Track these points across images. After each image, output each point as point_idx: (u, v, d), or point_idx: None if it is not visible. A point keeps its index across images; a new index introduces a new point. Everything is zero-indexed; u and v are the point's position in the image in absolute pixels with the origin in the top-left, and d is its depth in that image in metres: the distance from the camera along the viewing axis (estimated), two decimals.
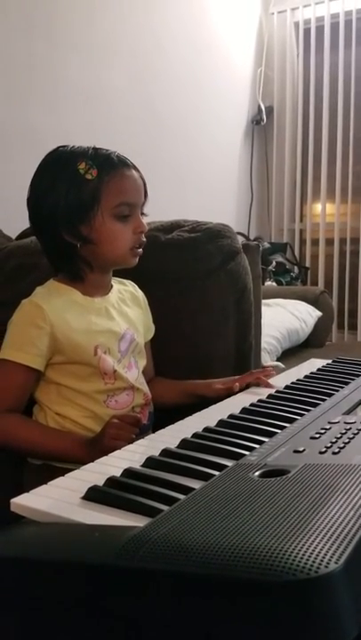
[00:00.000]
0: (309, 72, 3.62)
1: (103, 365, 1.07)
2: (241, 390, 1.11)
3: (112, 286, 1.17)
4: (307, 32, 3.63)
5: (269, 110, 3.69)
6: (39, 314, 1.04)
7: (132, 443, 0.89)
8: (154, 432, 0.88)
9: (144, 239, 1.10)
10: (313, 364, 1.24)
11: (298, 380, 1.08)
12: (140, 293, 1.24)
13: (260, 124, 3.66)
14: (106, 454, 0.90)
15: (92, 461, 0.93)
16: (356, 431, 0.72)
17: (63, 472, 0.92)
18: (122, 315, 1.15)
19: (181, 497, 0.57)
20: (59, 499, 0.62)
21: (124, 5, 2.61)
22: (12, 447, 1.06)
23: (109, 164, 1.05)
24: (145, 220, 1.11)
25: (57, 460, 1.03)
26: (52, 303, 1.06)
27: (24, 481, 1.09)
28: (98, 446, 0.93)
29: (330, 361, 1.26)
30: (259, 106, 3.64)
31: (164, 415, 1.08)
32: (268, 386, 1.10)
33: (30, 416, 1.12)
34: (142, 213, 1.11)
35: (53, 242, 1.09)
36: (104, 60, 2.51)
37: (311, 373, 1.13)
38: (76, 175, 1.04)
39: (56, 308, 1.06)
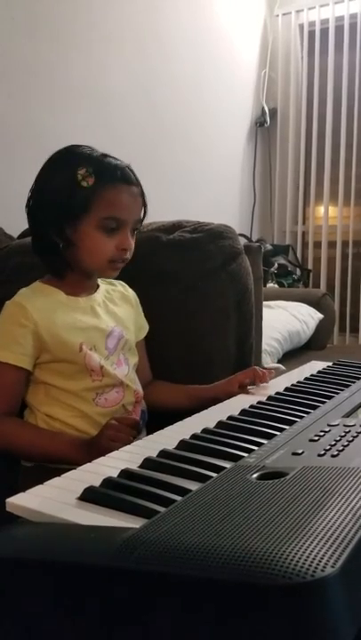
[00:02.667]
0: (313, 74, 3.62)
1: (89, 362, 1.07)
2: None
3: (98, 286, 1.18)
4: (311, 34, 3.63)
5: (273, 112, 3.69)
6: (22, 313, 1.05)
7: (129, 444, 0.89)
8: (148, 432, 0.88)
9: (127, 256, 1.10)
10: (314, 367, 1.23)
11: (298, 382, 1.08)
12: (130, 292, 1.24)
13: (264, 126, 3.66)
14: (103, 456, 0.91)
15: (89, 461, 0.93)
16: (355, 434, 0.71)
17: (57, 473, 0.94)
18: (109, 313, 1.15)
19: (178, 498, 0.57)
20: (55, 499, 0.62)
21: (127, 6, 2.60)
22: (9, 451, 1.06)
23: (108, 177, 1.06)
24: (134, 239, 1.11)
25: (54, 462, 1.02)
26: (35, 302, 1.07)
27: (18, 482, 1.08)
28: (95, 448, 0.93)
29: (331, 363, 1.25)
30: (262, 108, 3.64)
31: (159, 416, 1.07)
32: (263, 381, 1.10)
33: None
34: (136, 229, 1.11)
35: (39, 236, 1.11)
36: (107, 61, 2.51)
37: (312, 375, 1.13)
38: (73, 179, 1.04)
39: (39, 307, 1.07)
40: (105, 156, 1.10)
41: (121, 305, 1.20)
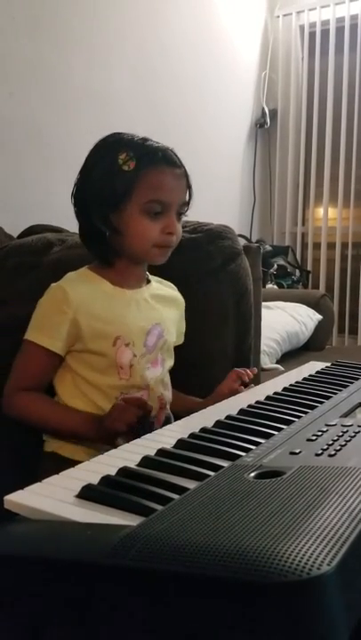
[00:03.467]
0: (314, 75, 3.62)
1: (120, 358, 1.07)
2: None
3: (149, 282, 1.17)
4: (312, 35, 3.64)
5: (273, 113, 3.69)
6: (64, 298, 1.05)
7: (134, 431, 0.92)
8: None
9: (174, 240, 1.09)
10: (313, 367, 1.24)
11: (296, 382, 1.08)
12: (179, 296, 1.23)
13: (264, 127, 3.66)
14: (110, 434, 0.94)
15: (100, 439, 0.98)
16: (353, 434, 0.71)
17: (68, 462, 0.98)
18: (153, 310, 1.14)
19: (176, 497, 0.57)
20: (53, 496, 0.62)
21: (128, 7, 2.61)
22: (27, 423, 1.08)
23: (150, 159, 1.04)
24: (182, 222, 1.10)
25: (66, 436, 1.06)
26: (78, 289, 1.07)
27: (41, 465, 1.10)
28: (103, 427, 0.97)
29: (329, 364, 1.26)
30: (263, 109, 3.65)
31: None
32: (249, 377, 1.11)
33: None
34: (180, 214, 1.10)
35: (86, 225, 1.10)
36: (108, 61, 2.51)
37: (310, 376, 1.13)
38: (114, 164, 1.04)
39: (82, 294, 1.06)
40: (145, 139, 1.08)
41: (167, 306, 1.18)
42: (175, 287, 1.24)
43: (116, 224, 1.06)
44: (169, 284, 1.23)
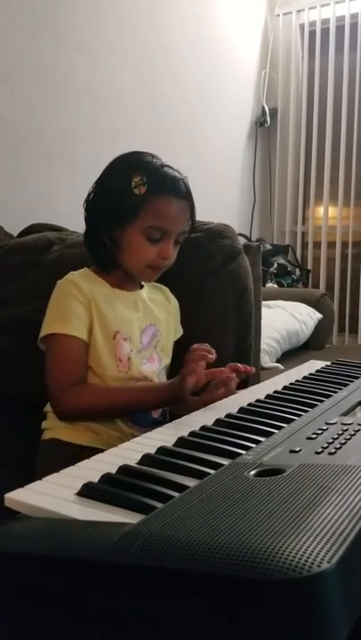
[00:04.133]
0: (314, 74, 3.62)
1: (119, 351, 1.12)
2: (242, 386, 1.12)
3: (142, 286, 1.23)
4: (312, 34, 3.63)
5: (273, 112, 3.69)
6: (76, 289, 1.11)
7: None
8: None
9: (167, 265, 1.15)
10: (313, 366, 1.24)
11: (297, 380, 1.08)
12: (171, 299, 1.29)
13: (264, 126, 3.66)
14: (184, 391, 0.99)
15: (170, 402, 1.04)
16: (353, 432, 0.71)
17: (69, 446, 1.04)
18: (148, 311, 1.20)
19: (176, 494, 0.57)
20: (53, 494, 0.62)
21: (129, 7, 2.61)
22: (91, 414, 1.09)
23: (160, 188, 1.10)
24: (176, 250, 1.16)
25: (134, 412, 1.11)
26: (85, 283, 1.13)
27: (37, 456, 1.12)
28: (174, 385, 1.02)
29: (329, 363, 1.26)
30: (263, 108, 3.64)
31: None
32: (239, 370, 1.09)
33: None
34: (178, 242, 1.16)
35: (91, 232, 1.17)
36: (109, 61, 2.51)
37: (310, 374, 1.13)
38: (127, 185, 1.09)
39: (88, 288, 1.12)
40: (163, 166, 1.14)
41: (160, 308, 1.24)
42: (166, 287, 1.28)
43: (118, 239, 1.12)
44: (160, 285, 1.28)
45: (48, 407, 1.17)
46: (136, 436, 1.09)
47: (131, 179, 1.09)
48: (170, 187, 1.11)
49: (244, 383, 1.19)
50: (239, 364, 1.12)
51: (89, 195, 1.16)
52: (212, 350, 1.03)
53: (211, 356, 1.01)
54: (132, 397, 1.09)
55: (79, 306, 1.10)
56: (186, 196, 1.14)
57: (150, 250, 1.11)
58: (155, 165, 1.13)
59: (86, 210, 1.17)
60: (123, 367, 1.12)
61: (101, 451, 1.03)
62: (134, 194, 1.09)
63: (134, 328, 1.16)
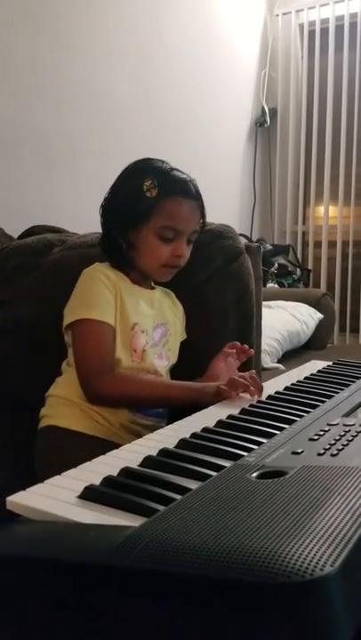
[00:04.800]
0: (313, 74, 3.62)
1: (135, 342, 1.15)
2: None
3: (154, 288, 1.27)
4: (311, 34, 3.63)
5: (273, 112, 3.68)
6: (105, 277, 1.15)
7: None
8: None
9: (181, 263, 1.20)
10: (314, 366, 1.24)
11: (298, 381, 1.08)
12: (178, 304, 1.32)
13: (264, 126, 3.66)
14: (214, 402, 1.00)
15: (202, 403, 1.01)
16: (355, 433, 0.71)
17: (66, 432, 1.07)
18: (161, 310, 1.25)
19: (178, 497, 0.57)
20: (55, 497, 0.62)
21: (128, 7, 2.61)
22: (125, 400, 1.12)
23: (170, 190, 1.15)
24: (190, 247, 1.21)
25: (166, 406, 1.16)
26: (111, 273, 1.17)
27: (35, 443, 1.14)
28: (211, 392, 1.03)
29: (330, 363, 1.26)
30: (262, 108, 3.64)
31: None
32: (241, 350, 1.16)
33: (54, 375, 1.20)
34: (190, 241, 1.20)
35: (107, 235, 1.21)
36: (108, 61, 2.51)
37: (311, 375, 1.13)
38: (139, 189, 1.15)
39: (114, 278, 1.17)
40: (172, 169, 1.19)
41: (169, 310, 1.28)
42: (172, 293, 1.32)
43: (133, 241, 1.17)
44: (167, 290, 1.31)
45: (50, 391, 1.18)
46: (138, 424, 1.13)
47: (142, 183, 1.14)
48: (180, 188, 1.16)
49: (247, 366, 1.21)
50: (237, 343, 1.21)
51: (104, 200, 1.21)
52: (260, 385, 1.04)
53: (253, 389, 1.01)
54: (164, 393, 1.11)
55: (108, 293, 1.14)
56: (195, 196, 1.18)
57: (164, 249, 1.16)
58: (164, 169, 1.18)
59: (102, 215, 1.22)
60: (136, 358, 1.16)
61: (99, 439, 1.04)
62: (146, 197, 1.14)
63: (149, 323, 1.20)
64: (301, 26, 3.66)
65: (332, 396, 0.95)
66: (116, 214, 1.18)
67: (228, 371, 1.20)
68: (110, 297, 1.14)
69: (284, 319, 2.36)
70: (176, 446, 0.75)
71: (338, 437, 0.70)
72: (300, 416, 0.84)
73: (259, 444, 0.72)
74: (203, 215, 1.22)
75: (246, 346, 1.23)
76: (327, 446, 0.67)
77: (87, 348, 1.11)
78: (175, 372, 1.26)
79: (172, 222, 1.15)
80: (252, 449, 0.70)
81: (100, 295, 1.13)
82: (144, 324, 1.18)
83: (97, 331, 1.11)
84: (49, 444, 1.11)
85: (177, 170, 1.20)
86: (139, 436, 0.86)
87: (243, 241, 1.43)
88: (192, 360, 1.27)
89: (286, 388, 1.03)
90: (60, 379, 1.19)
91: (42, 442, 1.14)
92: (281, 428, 0.78)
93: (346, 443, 0.68)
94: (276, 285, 3.16)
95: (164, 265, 1.18)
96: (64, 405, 1.14)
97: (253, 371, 1.10)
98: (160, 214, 1.14)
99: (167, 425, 0.92)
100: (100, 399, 1.11)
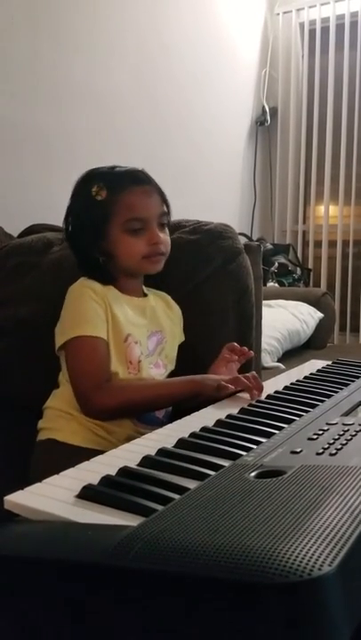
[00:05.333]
0: (314, 73, 3.61)
1: (130, 353, 1.13)
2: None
3: (146, 295, 1.24)
4: (312, 33, 3.63)
5: (274, 111, 3.68)
6: (92, 291, 1.13)
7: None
8: None
9: (162, 249, 1.16)
10: (314, 365, 1.23)
11: (297, 380, 1.08)
12: (174, 306, 1.30)
13: (265, 125, 3.65)
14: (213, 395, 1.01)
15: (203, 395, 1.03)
16: (354, 433, 0.71)
17: (65, 446, 1.05)
18: (154, 318, 1.22)
19: (176, 497, 0.57)
20: (53, 497, 0.62)
21: (128, 6, 2.60)
22: (127, 409, 1.10)
23: (119, 184, 1.13)
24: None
25: (168, 405, 1.14)
26: (98, 286, 1.15)
27: (32, 456, 1.12)
28: (210, 386, 1.03)
29: (330, 362, 1.25)
30: (263, 107, 3.64)
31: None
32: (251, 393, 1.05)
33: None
34: (163, 224, 1.17)
35: (81, 255, 1.19)
36: (109, 61, 2.50)
37: (311, 374, 1.13)
38: (88, 197, 1.13)
39: (102, 291, 1.14)
40: (113, 167, 1.18)
41: (164, 316, 1.26)
42: (168, 295, 1.29)
43: (107, 248, 1.15)
44: (162, 293, 1.29)
45: (48, 403, 1.17)
46: (142, 434, 1.11)
47: (89, 191, 1.13)
48: (127, 179, 1.14)
49: (246, 369, 1.21)
50: (236, 344, 1.19)
51: (65, 228, 1.20)
52: (261, 386, 1.04)
53: (255, 392, 1.01)
54: (166, 391, 1.10)
55: (98, 307, 1.11)
56: (146, 181, 1.16)
57: (138, 242, 1.13)
58: (106, 170, 1.17)
59: (68, 241, 1.21)
60: (133, 369, 1.14)
61: (98, 452, 1.03)
62: (98, 201, 1.12)
63: (142, 333, 1.17)
64: (302, 25, 3.66)
65: (332, 395, 0.95)
66: (80, 234, 1.17)
67: (229, 374, 1.18)
68: (100, 310, 1.11)
69: (284, 318, 2.35)
70: (175, 446, 0.74)
71: (337, 437, 0.70)
72: (300, 415, 0.84)
73: (258, 443, 0.72)
74: (163, 197, 1.18)
75: (246, 348, 1.22)
76: (326, 446, 0.67)
77: (82, 365, 1.09)
78: (175, 374, 1.25)
79: (133, 213, 1.12)
80: (251, 448, 0.70)
81: (90, 310, 1.11)
82: (137, 334, 1.16)
83: (90, 346, 1.09)
84: (46, 456, 1.10)
85: (118, 166, 1.18)
86: None
87: (243, 240, 1.42)
88: (191, 361, 1.26)
89: (286, 388, 1.03)
90: (57, 391, 1.17)
91: (39, 454, 1.12)
92: (280, 428, 0.78)
93: (345, 442, 0.68)
94: (276, 284, 3.15)
95: (145, 256, 1.14)
96: (63, 418, 1.12)
97: (254, 372, 1.09)
98: (118, 210, 1.12)
99: None
100: (102, 413, 1.08)
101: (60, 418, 1.13)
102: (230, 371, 1.19)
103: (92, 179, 1.16)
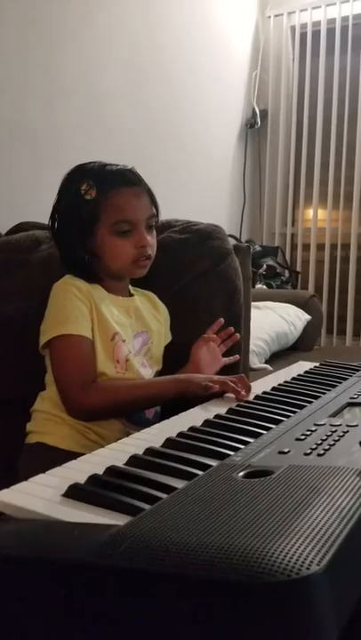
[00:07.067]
0: (304, 76, 3.63)
1: (117, 352, 1.12)
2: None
3: (132, 295, 1.23)
4: (303, 36, 3.64)
5: (264, 114, 3.69)
6: (76, 289, 1.11)
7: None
8: None
9: (149, 252, 1.15)
10: (302, 367, 1.24)
11: (285, 381, 1.08)
12: (160, 305, 1.29)
13: (255, 128, 3.66)
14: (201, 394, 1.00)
15: (189, 394, 1.02)
16: (341, 433, 0.71)
17: (55, 451, 1.03)
18: (140, 318, 1.21)
19: (164, 496, 0.56)
20: (39, 496, 0.61)
21: (120, 6, 2.60)
22: (114, 410, 1.09)
23: (108, 184, 1.11)
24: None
25: (156, 404, 1.13)
26: (83, 284, 1.13)
27: (20, 459, 1.11)
28: (199, 385, 1.02)
29: (318, 364, 1.26)
30: (253, 109, 3.64)
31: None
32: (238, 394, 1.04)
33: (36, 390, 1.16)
34: (151, 227, 1.16)
35: (66, 253, 1.17)
36: (99, 59, 2.50)
37: (299, 375, 1.13)
38: (77, 196, 1.11)
39: (87, 289, 1.12)
40: (104, 165, 1.14)
41: (150, 316, 1.24)
42: (154, 295, 1.29)
43: (93, 249, 1.13)
44: (149, 293, 1.28)
45: (36, 406, 1.15)
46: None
47: (79, 188, 1.11)
48: (117, 179, 1.12)
49: (234, 370, 1.21)
50: (222, 319, 1.21)
51: (50, 225, 1.18)
52: (249, 386, 1.03)
53: (243, 393, 1.00)
54: (152, 390, 1.09)
55: (82, 306, 1.09)
56: (137, 182, 1.14)
57: (126, 245, 1.12)
58: (97, 168, 1.14)
59: (54, 239, 1.19)
60: (120, 368, 1.12)
61: None
62: (87, 200, 1.10)
63: (128, 332, 1.16)
64: (293, 28, 3.67)
65: (320, 396, 0.95)
66: (66, 232, 1.15)
67: (212, 357, 1.19)
68: (85, 309, 1.10)
69: (272, 320, 2.36)
70: (162, 445, 0.74)
71: (325, 437, 0.70)
72: (288, 416, 0.84)
73: (245, 443, 0.72)
74: (152, 199, 1.17)
75: (232, 328, 1.21)
76: (314, 446, 0.67)
77: (67, 364, 1.07)
78: (162, 374, 1.25)
79: (122, 215, 1.11)
80: (239, 448, 0.70)
81: (74, 309, 1.09)
82: (123, 333, 1.14)
83: (75, 345, 1.07)
84: (35, 460, 1.06)
85: (110, 164, 1.15)
86: None
87: (232, 242, 1.42)
88: (180, 362, 1.26)
89: (274, 389, 1.03)
90: (44, 393, 1.15)
91: (27, 458, 1.10)
92: (268, 428, 0.78)
93: (332, 443, 0.68)
94: (264, 286, 3.16)
95: (134, 260, 1.13)
96: (52, 422, 1.10)
97: (242, 374, 1.09)
98: (107, 211, 1.10)
99: None
100: (88, 413, 1.07)
101: (50, 421, 1.11)
102: (212, 351, 1.19)
103: (81, 176, 1.13)
